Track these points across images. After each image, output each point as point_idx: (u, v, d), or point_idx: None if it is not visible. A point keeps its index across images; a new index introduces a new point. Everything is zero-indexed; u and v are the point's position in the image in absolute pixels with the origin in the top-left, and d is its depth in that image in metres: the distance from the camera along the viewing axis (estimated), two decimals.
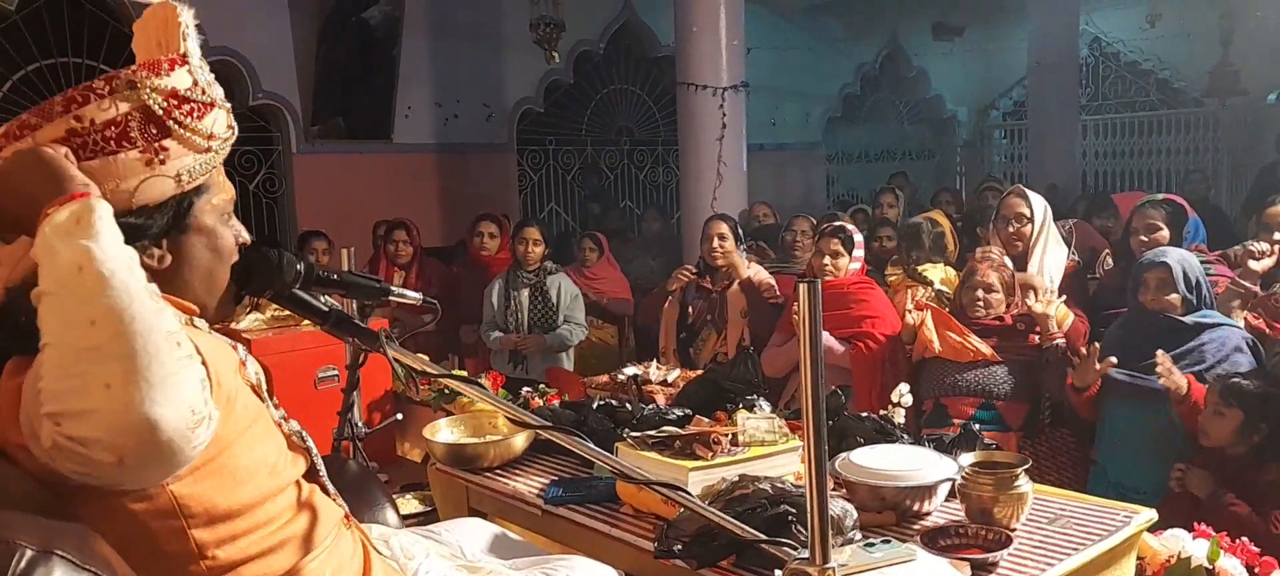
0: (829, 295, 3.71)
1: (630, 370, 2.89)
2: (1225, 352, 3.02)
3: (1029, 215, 3.68)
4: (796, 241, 4.97)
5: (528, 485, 2.32)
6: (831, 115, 11.02)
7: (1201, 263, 3.33)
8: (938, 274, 4.55)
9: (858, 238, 3.88)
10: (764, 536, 1.41)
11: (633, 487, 2.06)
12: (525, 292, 4.78)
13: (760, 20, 8.28)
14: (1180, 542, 1.95)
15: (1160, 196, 3.95)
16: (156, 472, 1.02)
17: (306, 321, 1.55)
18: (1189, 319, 3.07)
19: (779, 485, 1.82)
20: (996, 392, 3.26)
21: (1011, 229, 3.69)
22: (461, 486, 2.47)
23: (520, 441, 2.49)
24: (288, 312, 1.76)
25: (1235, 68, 8.69)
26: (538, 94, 8.55)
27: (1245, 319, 3.38)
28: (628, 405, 2.55)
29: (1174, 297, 3.08)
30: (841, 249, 3.79)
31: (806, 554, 1.28)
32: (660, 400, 2.65)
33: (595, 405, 2.53)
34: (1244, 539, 1.98)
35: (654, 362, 2.96)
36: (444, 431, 2.60)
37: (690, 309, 4.33)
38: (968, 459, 1.94)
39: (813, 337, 1.23)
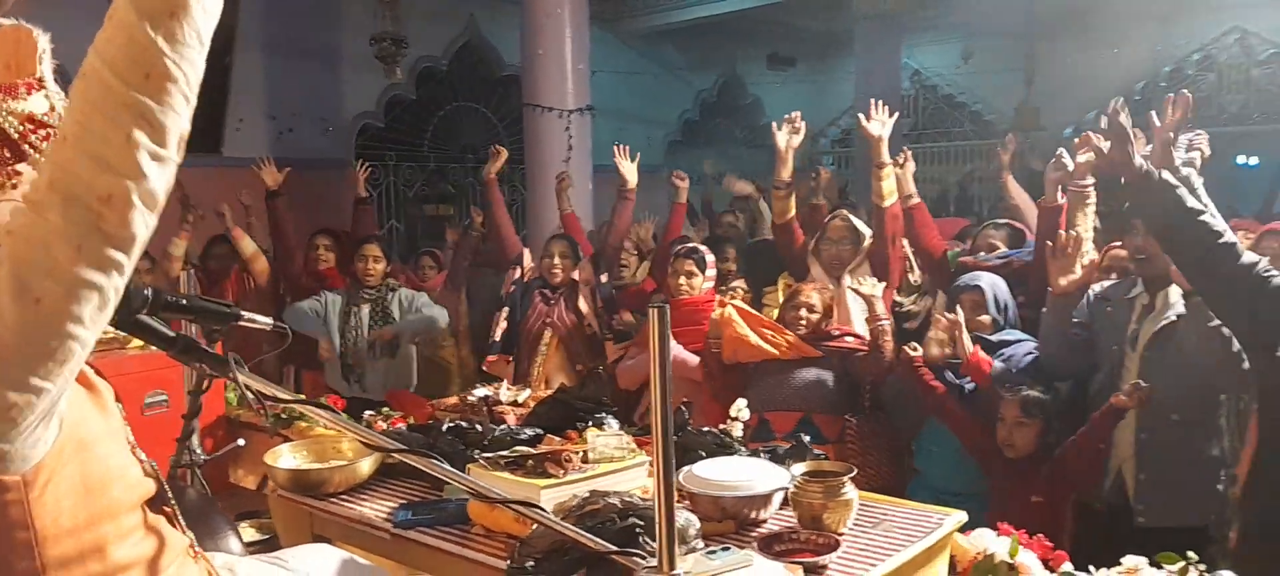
0: (683, 312, 3.87)
1: (480, 391, 2.91)
2: (1019, 361, 3.33)
3: (850, 237, 3.93)
4: (621, 260, 5.15)
5: (375, 509, 2.31)
6: (672, 139, 11.33)
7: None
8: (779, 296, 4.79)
9: (710, 258, 4.06)
10: (615, 548, 1.48)
11: (485, 508, 2.09)
12: (365, 309, 4.71)
13: (604, 45, 8.46)
14: (985, 541, 2.16)
15: (1002, 221, 4.32)
16: None
17: (134, 344, 1.52)
18: (995, 337, 3.38)
19: (627, 499, 1.90)
20: (815, 406, 3.45)
21: (834, 251, 3.94)
22: (305, 513, 2.43)
23: (366, 465, 2.48)
24: (110, 335, 1.71)
25: (1037, 105, 9.50)
26: (379, 109, 8.40)
27: None
28: (478, 426, 2.57)
29: (985, 318, 3.39)
30: (695, 269, 3.95)
31: (655, 563, 1.36)
32: (511, 420, 2.69)
33: (445, 427, 2.54)
34: (1040, 535, 2.20)
35: (504, 383, 2.99)
36: (286, 457, 2.55)
37: (531, 314, 4.41)
38: (799, 469, 2.08)
39: (662, 359, 1.32)
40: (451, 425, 2.58)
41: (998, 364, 3.24)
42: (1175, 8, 8.83)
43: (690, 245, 4.15)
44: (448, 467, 1.48)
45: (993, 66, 10.35)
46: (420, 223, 9.09)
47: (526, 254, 5.01)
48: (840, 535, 1.95)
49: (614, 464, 2.15)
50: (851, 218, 4.03)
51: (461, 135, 9.35)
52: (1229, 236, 2.45)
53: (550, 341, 4.30)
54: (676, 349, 3.79)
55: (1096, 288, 3.39)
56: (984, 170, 10.67)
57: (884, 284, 3.65)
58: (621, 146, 4.73)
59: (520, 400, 2.86)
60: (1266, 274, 2.41)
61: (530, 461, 2.12)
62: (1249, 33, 9.02)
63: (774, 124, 4.25)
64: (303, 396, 1.38)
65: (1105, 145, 2.57)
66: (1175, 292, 3.08)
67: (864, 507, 2.08)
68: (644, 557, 1.47)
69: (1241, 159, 11.37)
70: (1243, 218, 4.77)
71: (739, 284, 4.50)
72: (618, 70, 9.33)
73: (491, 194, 5.12)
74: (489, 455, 2.20)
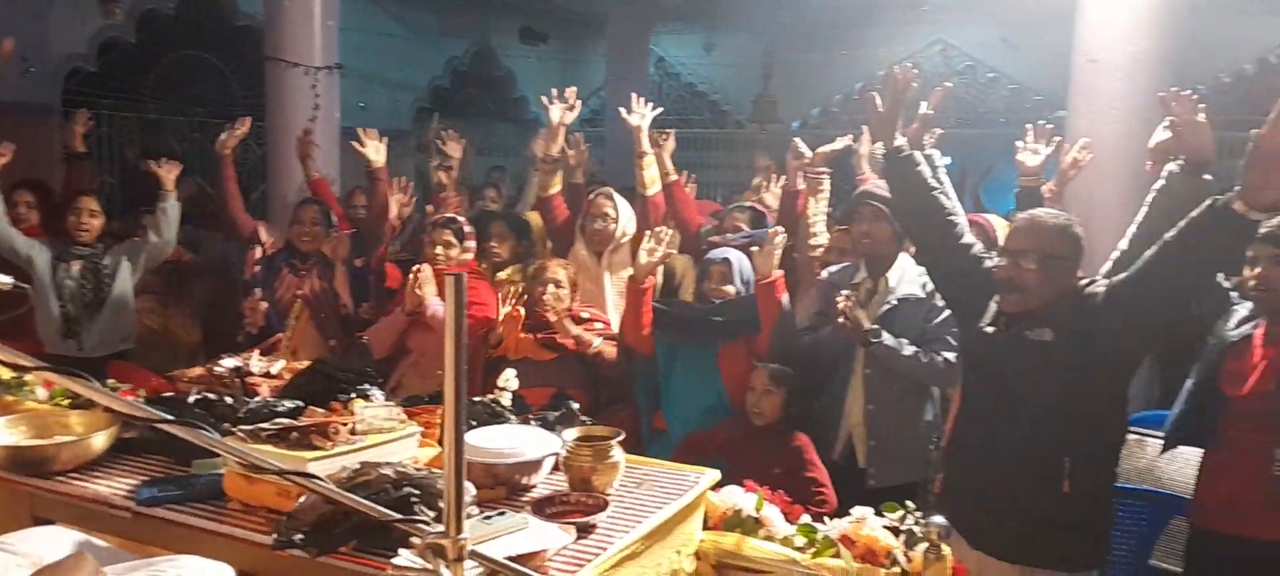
0: (444, 282, 3.83)
1: (230, 361, 2.74)
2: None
3: (614, 216, 4.07)
4: None
5: (112, 487, 2.15)
6: (421, 105, 11.06)
7: None
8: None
9: (469, 229, 4.03)
10: (399, 516, 1.49)
11: (242, 482, 2.01)
12: (76, 266, 4.29)
13: (352, 2, 8.09)
14: (734, 497, 2.34)
15: (747, 203, 4.61)
16: None
17: None
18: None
19: (401, 469, 1.89)
20: (567, 382, 3.56)
21: (597, 227, 4.06)
22: (25, 493, 2.21)
23: (100, 440, 2.29)
24: None
25: (773, 98, 10.17)
26: (91, 51, 7.56)
27: None
28: (227, 399, 2.44)
29: (730, 288, 3.63)
30: (453, 239, 3.91)
31: (441, 528, 1.38)
32: (265, 392, 2.56)
33: (192, 399, 2.39)
34: (780, 491, 2.43)
35: (255, 354, 2.84)
36: (1, 433, 2.30)
37: (278, 285, 4.21)
38: (570, 434, 2.16)
39: (458, 327, 1.33)
40: (199, 397, 2.43)
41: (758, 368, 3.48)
42: (890, 18, 9.77)
43: (448, 216, 4.12)
44: (223, 439, 1.41)
45: (733, 60, 10.97)
46: (139, 180, 8.29)
47: (262, 228, 4.75)
48: (608, 496, 2.05)
49: (383, 435, 2.13)
50: (615, 195, 4.16)
51: (189, 86, 8.62)
52: (957, 216, 2.80)
53: (300, 312, 4.11)
54: (441, 310, 3.77)
55: (825, 273, 3.73)
56: (723, 158, 11.30)
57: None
58: (367, 130, 4.56)
59: (274, 371, 2.73)
60: (977, 253, 2.78)
61: (294, 434, 2.06)
62: (950, 45, 10.14)
63: (544, 98, 4.30)
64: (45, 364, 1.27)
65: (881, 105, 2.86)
66: (895, 276, 3.46)
67: (629, 469, 2.19)
68: (428, 524, 1.48)
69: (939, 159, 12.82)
70: None
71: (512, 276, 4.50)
72: (365, 29, 8.96)
73: (224, 168, 4.73)
74: (247, 428, 2.11)
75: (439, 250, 3.89)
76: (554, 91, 4.25)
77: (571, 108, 4.26)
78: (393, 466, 1.90)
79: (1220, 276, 2.78)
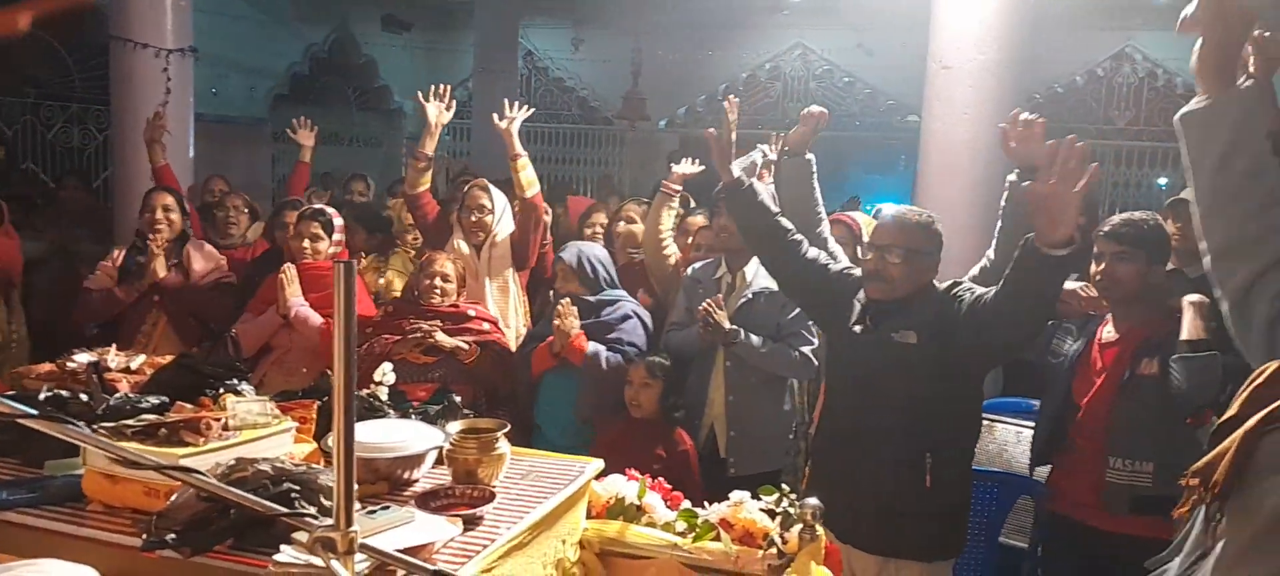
0: (312, 277, 3.71)
1: (83, 356, 2.58)
2: (617, 317, 3.66)
3: (490, 206, 4.03)
4: (230, 218, 4.83)
5: None
6: (278, 93, 10.65)
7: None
8: (399, 264, 4.76)
9: (338, 221, 3.90)
10: (285, 510, 1.45)
11: (104, 482, 1.90)
12: None
13: None
14: (617, 486, 2.38)
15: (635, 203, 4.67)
16: None
17: None
18: (593, 298, 3.66)
19: (278, 465, 1.83)
20: (453, 378, 3.52)
21: (474, 219, 4.01)
22: None
23: None
24: None
25: (643, 95, 10.28)
26: None
27: None
28: (82, 396, 2.30)
29: (575, 283, 3.66)
30: (321, 232, 3.78)
31: (330, 522, 1.36)
32: (125, 388, 2.42)
33: (42, 396, 2.24)
34: (660, 479, 2.48)
35: (112, 348, 2.68)
36: None
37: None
38: (454, 427, 2.15)
39: (347, 318, 1.31)
40: (50, 394, 2.28)
41: (591, 349, 3.52)
42: (753, 21, 10.05)
43: (316, 207, 3.99)
44: (97, 435, 1.34)
45: (602, 56, 11.02)
46: None
47: None
48: (494, 487, 2.05)
49: (258, 430, 2.05)
50: (491, 188, 4.12)
51: (21, 66, 8.02)
52: (794, 235, 2.92)
53: (156, 317, 3.89)
54: (306, 311, 3.65)
55: (689, 270, 3.83)
56: (592, 154, 11.35)
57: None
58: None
59: (134, 366, 2.59)
60: (824, 264, 2.91)
61: (163, 430, 1.96)
62: (809, 49, 10.50)
63: (421, 94, 4.22)
64: None
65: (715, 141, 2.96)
66: (751, 270, 3.57)
67: (514, 461, 2.19)
68: (315, 518, 1.45)
69: None
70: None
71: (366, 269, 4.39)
72: (219, 11, 8.55)
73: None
74: (110, 425, 1.99)
75: (306, 244, 3.76)
76: (433, 88, 4.17)
77: (448, 107, 4.20)
78: (269, 462, 1.84)
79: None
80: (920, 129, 4.85)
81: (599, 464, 2.31)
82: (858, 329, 2.74)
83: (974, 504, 3.06)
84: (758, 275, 3.56)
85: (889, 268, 2.64)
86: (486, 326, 3.70)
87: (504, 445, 2.10)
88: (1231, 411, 1.40)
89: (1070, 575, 2.97)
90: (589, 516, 2.31)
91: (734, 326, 3.41)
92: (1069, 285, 2.94)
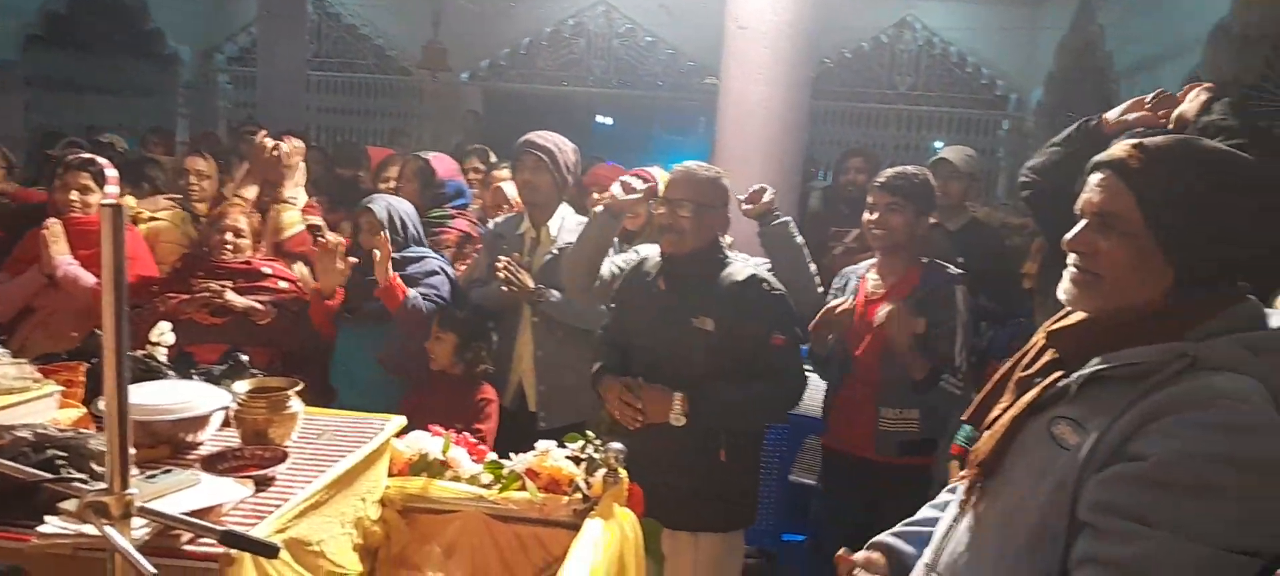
0: (81, 233, 3.39)
1: None
2: (423, 272, 3.58)
3: (244, 230, 3.77)
4: None
5: None
6: (31, 33, 9.59)
7: (435, 214, 3.95)
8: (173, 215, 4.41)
9: (112, 172, 3.57)
10: (51, 476, 1.33)
11: None
12: None
13: None
14: (420, 442, 2.33)
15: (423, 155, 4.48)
16: None
17: None
18: (398, 255, 3.56)
19: (41, 431, 1.68)
20: (244, 339, 3.33)
21: (227, 239, 3.77)
22: None
23: None
24: None
25: (444, 46, 9.97)
26: None
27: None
28: None
29: (383, 235, 3.55)
30: (92, 183, 3.45)
31: (103, 486, 1.26)
32: None
33: None
34: (465, 433, 2.45)
35: None
36: None
37: None
38: (242, 387, 2.03)
39: (117, 269, 1.21)
40: None
41: (412, 294, 3.44)
42: None
43: (85, 156, 3.64)
44: None
45: (398, 3, 10.61)
46: None
47: None
48: (287, 447, 1.96)
49: (15, 395, 1.87)
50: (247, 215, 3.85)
51: None
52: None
53: None
54: (75, 270, 3.34)
55: (491, 224, 3.79)
56: (388, 105, 10.94)
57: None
58: None
59: None
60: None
61: None
62: (613, 7, 10.52)
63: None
64: None
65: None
66: (555, 225, 3.58)
67: (308, 421, 2.10)
68: (84, 484, 1.34)
69: (600, 118, 13.31)
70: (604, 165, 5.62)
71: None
72: None
73: None
74: None
75: (75, 196, 3.43)
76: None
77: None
78: (30, 428, 1.68)
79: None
80: (719, 90, 4.98)
81: (400, 421, 2.26)
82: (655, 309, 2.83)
83: (767, 444, 3.23)
84: (562, 230, 3.56)
85: (680, 221, 2.75)
86: (284, 285, 3.52)
87: (297, 404, 2.02)
88: (1003, 401, 1.53)
89: (849, 508, 3.19)
90: (391, 474, 2.26)
91: (538, 285, 3.41)
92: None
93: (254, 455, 1.91)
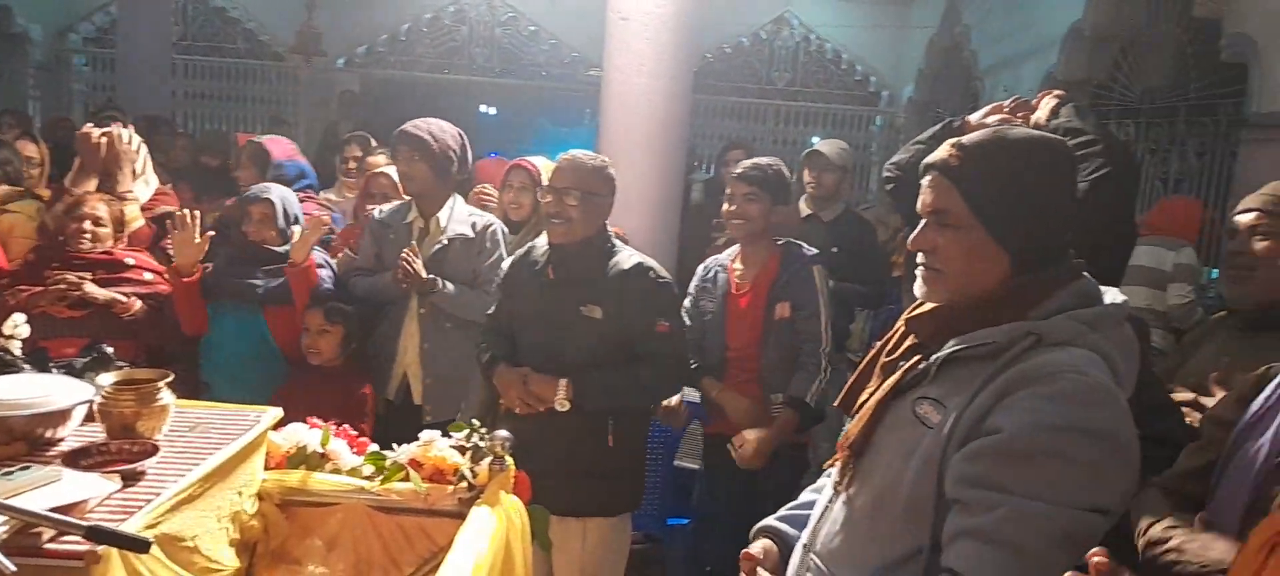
0: None
1: None
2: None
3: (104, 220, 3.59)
4: None
5: None
6: None
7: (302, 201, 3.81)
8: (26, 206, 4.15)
9: None
10: None
11: None
12: None
13: None
14: (299, 434, 2.28)
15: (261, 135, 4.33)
16: None
17: None
18: (281, 249, 3.46)
19: None
20: (106, 333, 3.17)
21: (85, 227, 3.58)
22: None
23: None
24: None
25: (319, 30, 9.67)
26: None
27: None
28: None
29: (272, 232, 3.46)
30: None
31: None
32: None
33: None
34: (346, 425, 2.40)
35: None
36: None
37: None
38: (106, 379, 1.94)
39: None
40: None
41: (325, 275, 3.36)
42: None
43: None
44: None
45: None
46: None
47: None
48: (157, 441, 1.88)
49: None
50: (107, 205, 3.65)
51: None
52: None
53: None
54: None
55: (376, 212, 3.71)
56: (261, 92, 10.53)
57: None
58: None
59: None
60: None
61: None
62: None
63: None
64: None
65: None
66: (444, 216, 3.54)
67: (179, 413, 2.02)
68: None
69: (484, 107, 13.16)
70: (488, 159, 5.57)
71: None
72: None
73: None
74: None
75: None
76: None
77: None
78: None
79: None
80: (602, 81, 5.00)
81: (276, 412, 2.20)
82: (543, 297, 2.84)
83: (652, 430, 3.30)
84: (451, 221, 3.52)
85: (567, 210, 2.77)
86: (150, 277, 3.36)
87: (167, 396, 1.94)
88: (871, 386, 1.61)
89: (730, 489, 3.30)
90: (268, 468, 2.20)
91: (432, 276, 3.37)
92: None
93: (121, 449, 1.83)
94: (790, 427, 3.16)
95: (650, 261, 2.90)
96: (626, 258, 2.86)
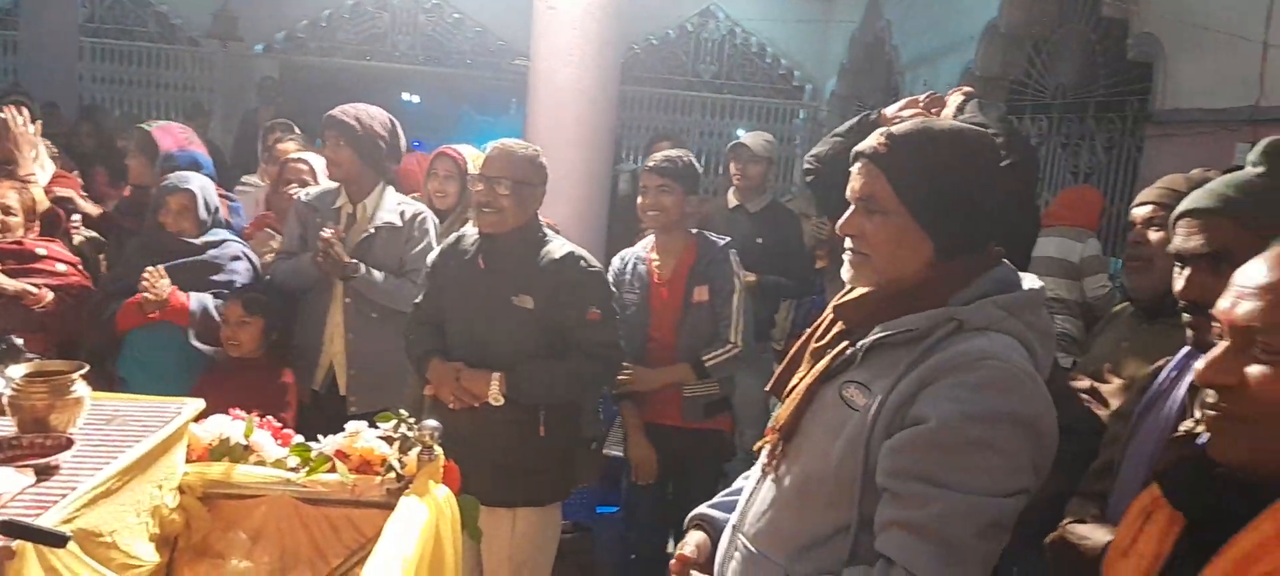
0: None
1: None
2: (225, 260, 3.44)
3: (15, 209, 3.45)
4: None
5: None
6: None
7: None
8: None
9: None
10: None
11: None
12: None
13: None
14: (221, 427, 2.23)
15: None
16: None
17: None
18: (199, 240, 3.40)
19: None
20: (14, 326, 3.06)
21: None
22: None
23: None
24: None
25: (236, 14, 9.40)
26: None
27: None
28: None
29: (190, 223, 3.37)
30: None
31: None
32: None
33: None
34: (269, 416, 2.36)
35: None
36: None
37: None
38: (17, 371, 1.87)
39: None
40: None
41: (195, 304, 3.27)
42: None
43: None
44: None
45: None
46: None
47: None
48: (71, 434, 1.83)
49: None
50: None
51: None
52: None
53: None
54: None
55: (303, 195, 3.64)
56: (175, 77, 10.20)
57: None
58: None
59: None
60: None
61: None
62: None
63: None
64: None
65: None
66: (372, 203, 3.49)
67: (95, 405, 1.97)
68: None
69: (407, 95, 12.97)
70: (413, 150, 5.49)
71: None
72: None
73: None
74: None
75: None
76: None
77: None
78: None
79: None
80: (529, 71, 4.99)
81: (198, 404, 2.14)
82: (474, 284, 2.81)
83: None
84: (381, 208, 3.46)
85: (500, 199, 2.76)
86: (62, 268, 3.25)
87: (82, 388, 1.88)
88: (800, 371, 1.65)
89: (658, 475, 3.37)
90: (190, 460, 2.15)
91: (354, 260, 3.32)
92: None
93: (34, 443, 1.77)
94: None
95: (581, 251, 2.90)
96: (558, 247, 2.86)
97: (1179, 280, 1.65)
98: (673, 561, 1.75)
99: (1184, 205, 1.67)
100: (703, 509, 1.85)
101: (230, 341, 3.14)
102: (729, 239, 3.43)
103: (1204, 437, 1.14)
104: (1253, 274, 1.06)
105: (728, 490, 1.87)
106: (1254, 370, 1.02)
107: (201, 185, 3.44)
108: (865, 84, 9.34)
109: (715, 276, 3.28)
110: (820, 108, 10.25)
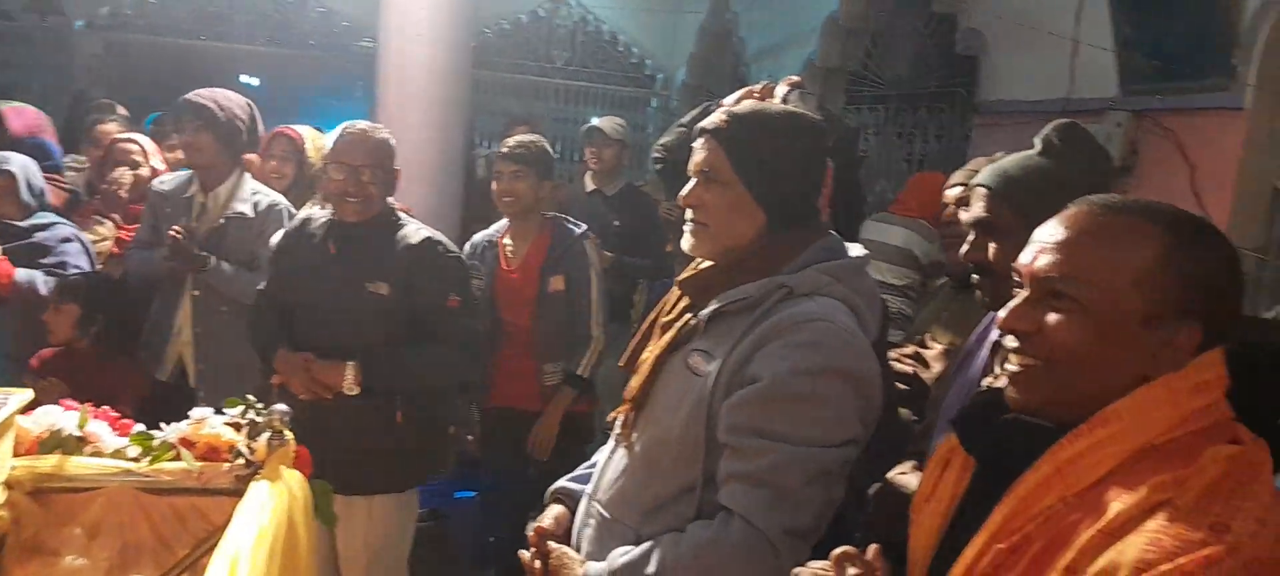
0: None
1: None
2: (55, 239, 3.30)
3: None
4: None
5: None
6: None
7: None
8: None
9: None
10: None
11: None
12: None
13: None
14: (52, 417, 2.12)
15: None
16: None
17: None
18: (25, 223, 3.21)
19: None
20: None
21: None
22: None
23: None
24: None
25: None
26: None
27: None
28: None
29: (12, 206, 3.19)
30: None
31: None
32: None
33: None
34: (107, 406, 2.25)
35: None
36: None
37: None
38: None
39: None
40: None
41: (21, 275, 3.10)
42: None
43: None
44: None
45: None
46: None
47: None
48: None
49: None
50: None
51: None
52: None
53: None
54: None
55: (157, 183, 3.48)
56: (14, 55, 9.41)
57: None
58: None
59: None
60: None
61: None
62: None
63: None
64: None
65: None
66: (225, 191, 3.36)
67: None
68: None
69: (245, 77, 12.40)
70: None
71: None
72: None
73: None
74: None
75: None
76: None
77: None
78: None
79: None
80: (377, 52, 4.89)
81: (25, 395, 2.03)
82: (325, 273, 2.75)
83: None
84: (234, 199, 3.33)
85: (366, 188, 2.70)
86: None
87: None
88: (650, 345, 1.73)
89: (511, 461, 3.41)
90: (18, 454, 2.03)
91: (203, 253, 3.19)
92: None
93: None
94: (568, 402, 3.29)
95: (439, 235, 2.86)
96: (414, 231, 2.80)
97: (964, 245, 1.81)
98: (530, 533, 1.80)
99: (975, 179, 1.84)
100: (561, 482, 1.91)
101: (49, 327, 2.98)
102: (586, 227, 3.47)
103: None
104: (1051, 230, 1.17)
105: (588, 463, 1.93)
106: (1051, 318, 1.14)
107: (22, 165, 3.27)
108: (713, 75, 9.56)
109: (571, 266, 3.32)
110: (671, 97, 10.43)
